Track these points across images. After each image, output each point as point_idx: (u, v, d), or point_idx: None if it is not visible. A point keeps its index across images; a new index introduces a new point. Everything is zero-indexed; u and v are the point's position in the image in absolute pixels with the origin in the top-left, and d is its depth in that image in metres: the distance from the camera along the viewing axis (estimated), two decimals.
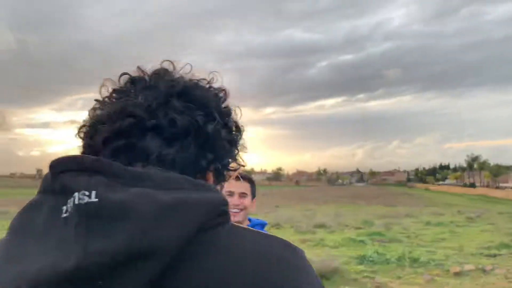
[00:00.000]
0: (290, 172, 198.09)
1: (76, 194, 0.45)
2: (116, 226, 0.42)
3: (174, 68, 0.62)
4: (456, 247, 9.47)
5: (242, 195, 1.76)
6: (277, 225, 15.84)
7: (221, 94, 0.63)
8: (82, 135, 0.59)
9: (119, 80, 0.60)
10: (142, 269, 0.42)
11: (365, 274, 6.94)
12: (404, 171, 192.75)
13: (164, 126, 0.54)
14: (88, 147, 0.57)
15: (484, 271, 6.94)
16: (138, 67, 0.62)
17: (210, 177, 0.60)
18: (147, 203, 0.44)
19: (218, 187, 0.62)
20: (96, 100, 0.59)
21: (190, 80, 0.61)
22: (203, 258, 0.47)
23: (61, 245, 0.43)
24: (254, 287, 0.47)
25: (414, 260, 7.63)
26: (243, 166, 0.66)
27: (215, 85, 0.63)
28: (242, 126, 0.66)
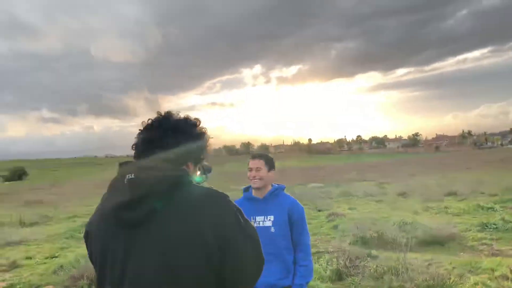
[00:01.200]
0: (429, 137, 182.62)
1: (127, 175, 1.15)
2: (138, 187, 1.12)
3: (171, 113, 1.32)
4: None
5: (257, 169, 2.49)
6: (403, 194, 15.64)
7: (196, 127, 1.34)
8: (133, 148, 1.31)
9: (148, 121, 1.32)
10: (148, 205, 1.11)
11: (484, 241, 6.84)
12: None
13: (164, 144, 1.24)
14: (136, 154, 1.30)
15: None
16: (157, 112, 1.32)
17: (190, 165, 1.32)
18: (151, 178, 1.13)
19: (191, 168, 1.33)
20: (139, 129, 1.32)
21: (179, 119, 1.31)
22: (173, 203, 1.13)
23: (124, 192, 1.14)
24: (197, 215, 1.12)
25: None
26: (204, 159, 1.39)
27: (194, 120, 1.35)
28: (207, 139, 1.36)
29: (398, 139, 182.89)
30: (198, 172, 1.51)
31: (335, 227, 9.34)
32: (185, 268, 1.11)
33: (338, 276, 4.92)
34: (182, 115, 1.36)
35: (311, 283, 4.65)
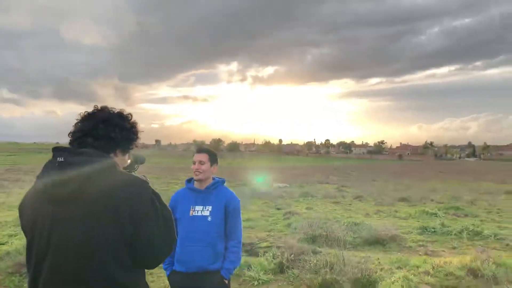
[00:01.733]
0: (394, 146, 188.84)
1: (58, 158, 1.37)
2: (66, 168, 1.34)
3: (106, 107, 1.53)
4: None
5: (201, 162, 2.69)
6: (360, 197, 16.32)
7: (128, 121, 1.56)
8: (69, 135, 1.48)
9: (84, 113, 1.51)
10: (73, 184, 1.32)
11: (421, 243, 7.37)
12: None
13: (95, 134, 1.45)
14: (70, 141, 1.48)
15: None
16: (94, 106, 1.53)
17: (118, 153, 1.53)
18: (79, 160, 1.36)
19: (120, 156, 1.55)
20: (76, 119, 1.51)
21: (112, 113, 1.52)
22: (96, 184, 1.34)
23: (54, 173, 1.35)
24: (116, 195, 1.33)
25: (477, 234, 7.73)
26: (132, 148, 1.61)
27: (126, 115, 1.57)
28: (136, 131, 1.59)
29: (364, 146, 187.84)
30: (128, 161, 1.73)
31: (289, 224, 9.71)
32: (102, 241, 1.32)
33: (281, 269, 5.23)
34: (116, 110, 1.56)
35: (254, 274, 4.95)
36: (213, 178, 2.79)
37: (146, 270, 1.52)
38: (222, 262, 2.64)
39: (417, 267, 5.03)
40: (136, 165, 1.84)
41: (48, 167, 1.39)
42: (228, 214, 2.67)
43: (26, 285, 4.38)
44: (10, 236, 7.98)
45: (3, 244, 7.22)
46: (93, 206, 1.33)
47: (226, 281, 2.62)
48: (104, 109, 1.53)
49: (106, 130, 1.47)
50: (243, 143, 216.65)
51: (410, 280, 4.44)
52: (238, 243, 2.73)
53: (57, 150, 1.41)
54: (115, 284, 1.33)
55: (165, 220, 1.44)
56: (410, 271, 4.85)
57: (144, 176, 1.97)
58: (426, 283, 4.42)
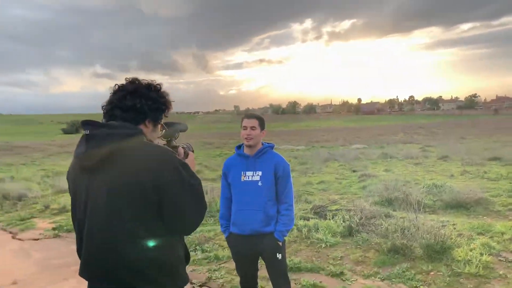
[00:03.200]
0: (488, 99, 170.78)
1: (84, 131, 1.40)
2: (91, 141, 1.38)
3: (136, 79, 1.53)
4: None
5: (252, 128, 2.65)
6: (445, 158, 15.19)
7: (156, 91, 1.55)
8: (102, 108, 1.51)
9: (115, 86, 1.52)
10: (97, 156, 1.37)
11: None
12: None
13: (123, 106, 1.46)
14: (103, 114, 1.51)
15: None
16: (126, 79, 1.52)
17: (148, 123, 1.51)
18: (102, 133, 1.38)
19: (150, 127, 1.53)
20: (110, 92, 1.53)
21: (140, 84, 1.51)
22: (121, 154, 1.37)
23: (81, 147, 1.41)
24: (139, 165, 1.36)
25: None
26: (162, 119, 1.59)
27: (155, 85, 1.55)
28: (165, 101, 1.57)
29: (453, 100, 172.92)
30: (163, 131, 1.73)
31: (364, 187, 9.44)
32: (127, 211, 1.36)
33: (350, 232, 5.13)
34: (146, 81, 1.56)
35: (321, 236, 4.94)
36: (262, 144, 2.77)
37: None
38: (275, 225, 2.66)
39: (502, 233, 4.58)
40: (176, 134, 1.85)
41: (81, 140, 1.45)
42: (278, 178, 2.68)
43: None
44: None
45: None
46: (116, 177, 1.37)
47: (280, 243, 2.65)
48: (133, 81, 1.54)
49: (133, 101, 1.48)
50: (320, 104, 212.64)
51: (492, 247, 4.06)
52: (290, 206, 2.72)
53: (84, 124, 1.45)
54: (147, 252, 1.38)
55: (192, 189, 1.44)
56: (494, 238, 4.43)
57: (187, 144, 1.96)
58: (511, 252, 4.01)
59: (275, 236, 2.64)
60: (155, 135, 1.59)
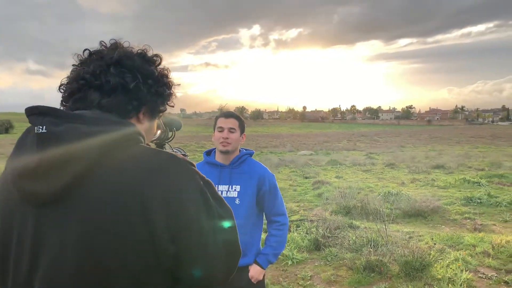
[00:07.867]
0: (422, 110, 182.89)
1: (37, 127, 0.75)
2: (50, 146, 0.74)
3: (120, 44, 0.91)
4: None
5: (231, 130, 2.11)
6: (392, 165, 15.56)
7: (154, 64, 0.92)
8: (60, 89, 0.89)
9: (83, 53, 0.90)
10: (61, 175, 0.73)
11: (467, 216, 6.73)
12: None
13: (103, 85, 0.84)
14: (63, 99, 0.88)
15: None
16: (100, 42, 0.90)
17: (142, 116, 0.90)
18: (70, 132, 0.75)
19: (145, 122, 0.92)
20: (73, 65, 0.90)
21: (126, 52, 0.88)
22: (105, 171, 0.76)
23: (31, 154, 0.75)
24: (141, 190, 0.74)
25: None
26: (165, 110, 0.97)
27: (151, 56, 0.92)
28: (170, 82, 0.94)
29: (391, 111, 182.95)
30: (158, 131, 1.16)
31: (320, 195, 9.21)
32: (120, 270, 0.74)
33: (316, 246, 4.75)
34: (136, 48, 0.93)
35: (287, 252, 4.49)
36: (240, 150, 2.23)
37: None
38: (255, 254, 2.15)
39: (474, 246, 4.44)
40: (171, 133, 1.26)
41: (21, 143, 0.81)
42: (264, 194, 2.13)
43: None
44: None
45: None
46: (96, 214, 0.74)
47: (263, 271, 2.12)
48: (117, 47, 0.91)
49: (122, 78, 0.85)
50: (267, 110, 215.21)
51: (468, 262, 3.87)
52: (282, 225, 2.19)
53: (34, 113, 0.78)
54: None
55: (224, 228, 0.83)
56: (466, 251, 4.26)
57: (179, 149, 1.31)
58: (487, 266, 3.84)
59: (257, 261, 2.12)
60: (150, 137, 0.99)
